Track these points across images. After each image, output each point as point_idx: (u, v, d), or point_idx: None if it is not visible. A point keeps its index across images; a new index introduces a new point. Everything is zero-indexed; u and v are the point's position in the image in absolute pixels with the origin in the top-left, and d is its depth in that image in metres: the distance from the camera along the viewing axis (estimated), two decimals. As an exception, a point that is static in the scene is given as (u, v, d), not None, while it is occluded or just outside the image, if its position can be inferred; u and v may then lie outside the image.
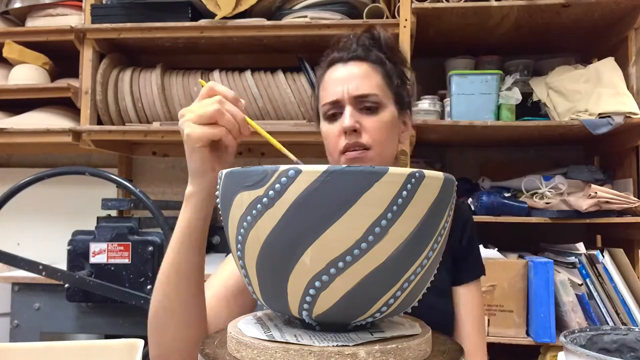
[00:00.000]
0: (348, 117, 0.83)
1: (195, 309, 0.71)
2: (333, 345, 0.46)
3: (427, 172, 0.46)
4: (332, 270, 0.45)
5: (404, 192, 0.45)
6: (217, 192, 0.54)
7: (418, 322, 0.58)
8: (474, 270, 0.94)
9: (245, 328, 0.52)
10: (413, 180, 0.45)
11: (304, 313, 0.49)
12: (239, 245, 0.50)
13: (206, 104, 0.65)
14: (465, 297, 0.92)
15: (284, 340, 0.48)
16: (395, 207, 0.44)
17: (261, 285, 0.51)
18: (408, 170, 0.45)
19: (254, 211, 0.47)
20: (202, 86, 0.68)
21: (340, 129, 0.85)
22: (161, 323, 0.71)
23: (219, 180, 0.54)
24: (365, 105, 0.85)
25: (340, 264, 0.45)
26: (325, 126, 0.89)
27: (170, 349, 0.70)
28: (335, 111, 0.87)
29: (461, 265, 0.93)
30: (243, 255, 0.50)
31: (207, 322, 0.74)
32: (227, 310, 0.77)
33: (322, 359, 0.45)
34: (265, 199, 0.46)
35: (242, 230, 0.49)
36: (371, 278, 0.46)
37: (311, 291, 0.47)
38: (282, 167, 0.45)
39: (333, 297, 0.47)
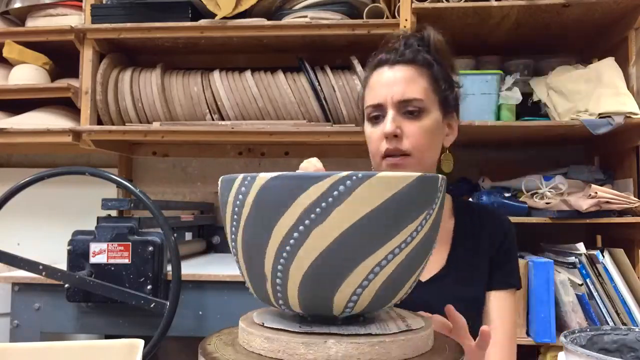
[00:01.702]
0: (389, 122, 0.85)
1: None
2: (307, 333, 0.50)
3: (370, 174, 0.48)
4: (282, 261, 0.50)
5: (335, 193, 0.47)
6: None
7: (425, 321, 0.58)
8: (507, 278, 0.95)
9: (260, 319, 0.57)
10: (348, 182, 0.47)
11: (280, 302, 0.53)
12: (233, 244, 0.55)
13: None
14: (497, 302, 0.92)
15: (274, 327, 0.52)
16: (324, 204, 0.48)
17: (251, 281, 0.55)
18: (343, 173, 0.48)
19: (235, 215, 0.52)
20: None
21: (382, 133, 0.86)
22: None
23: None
24: (408, 109, 0.86)
25: (285, 254, 0.49)
26: (368, 128, 0.90)
27: None
28: (378, 114, 0.88)
29: (495, 272, 0.94)
30: (237, 253, 0.55)
31: None
32: None
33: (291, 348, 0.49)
34: (238, 202, 0.52)
35: (232, 228, 0.54)
36: (319, 262, 0.49)
37: (278, 280, 0.51)
38: (241, 176, 0.51)
39: (294, 283, 0.50)
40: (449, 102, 0.92)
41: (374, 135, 0.88)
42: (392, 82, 0.87)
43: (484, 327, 0.67)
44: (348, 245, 0.48)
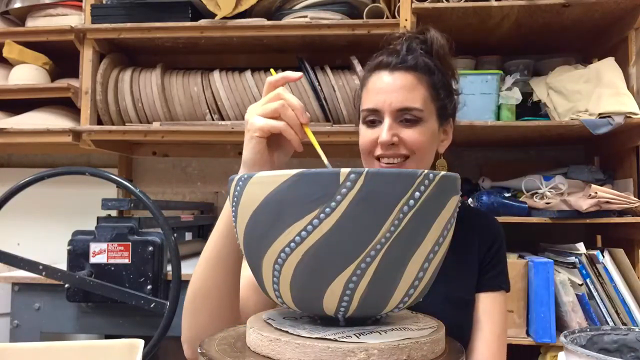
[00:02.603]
0: (386, 131, 0.83)
1: (229, 293, 0.74)
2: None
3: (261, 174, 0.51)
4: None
5: (236, 193, 0.54)
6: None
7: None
8: (496, 280, 0.94)
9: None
10: (241, 183, 0.52)
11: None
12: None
13: (271, 98, 0.70)
14: (486, 302, 0.91)
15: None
16: (234, 204, 0.55)
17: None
18: (238, 176, 0.53)
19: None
20: (272, 75, 0.73)
21: (376, 138, 0.85)
22: (198, 305, 0.74)
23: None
24: (406, 117, 0.84)
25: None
26: (363, 129, 0.89)
27: (202, 330, 0.73)
28: (373, 118, 0.86)
29: (484, 274, 0.93)
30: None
31: (239, 306, 0.77)
32: (255, 297, 0.80)
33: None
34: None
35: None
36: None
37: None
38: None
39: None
40: (446, 111, 0.90)
41: (369, 138, 0.87)
42: (392, 88, 0.85)
43: None
44: (252, 242, 0.52)
